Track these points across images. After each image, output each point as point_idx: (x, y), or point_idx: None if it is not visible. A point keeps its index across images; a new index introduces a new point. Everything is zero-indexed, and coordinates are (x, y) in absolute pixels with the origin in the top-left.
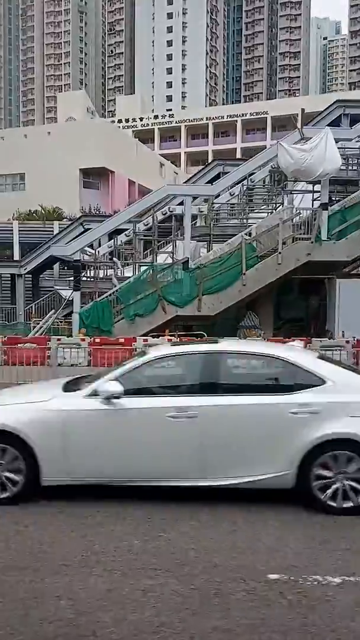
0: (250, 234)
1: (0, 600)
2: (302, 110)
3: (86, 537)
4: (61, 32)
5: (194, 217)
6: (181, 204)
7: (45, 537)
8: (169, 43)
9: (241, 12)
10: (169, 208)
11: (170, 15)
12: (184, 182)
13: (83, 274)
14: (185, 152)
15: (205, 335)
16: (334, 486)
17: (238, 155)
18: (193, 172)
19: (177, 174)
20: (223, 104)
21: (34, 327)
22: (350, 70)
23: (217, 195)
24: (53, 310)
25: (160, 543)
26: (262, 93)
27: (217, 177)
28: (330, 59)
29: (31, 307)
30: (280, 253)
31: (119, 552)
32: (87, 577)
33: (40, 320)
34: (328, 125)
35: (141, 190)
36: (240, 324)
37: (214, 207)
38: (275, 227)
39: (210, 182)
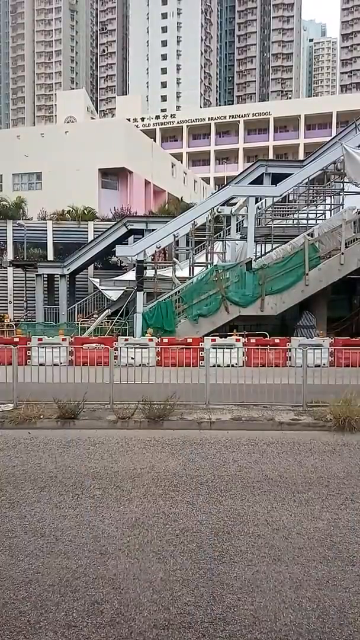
0: (312, 235)
1: None
2: None
3: None
4: (52, 30)
5: (232, 218)
6: (223, 205)
7: None
8: (164, 43)
9: (234, 12)
10: (216, 209)
11: (164, 15)
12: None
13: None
14: (187, 152)
15: (267, 335)
16: None
17: (240, 156)
18: (195, 172)
19: (186, 174)
20: (217, 104)
21: (82, 327)
22: (342, 73)
23: (281, 196)
24: (108, 310)
25: None
26: (254, 93)
27: (261, 177)
28: (316, 60)
29: (74, 307)
30: (342, 253)
31: None
32: None
33: (87, 320)
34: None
35: (156, 190)
36: (297, 323)
37: (260, 208)
38: (338, 227)
39: (254, 182)
